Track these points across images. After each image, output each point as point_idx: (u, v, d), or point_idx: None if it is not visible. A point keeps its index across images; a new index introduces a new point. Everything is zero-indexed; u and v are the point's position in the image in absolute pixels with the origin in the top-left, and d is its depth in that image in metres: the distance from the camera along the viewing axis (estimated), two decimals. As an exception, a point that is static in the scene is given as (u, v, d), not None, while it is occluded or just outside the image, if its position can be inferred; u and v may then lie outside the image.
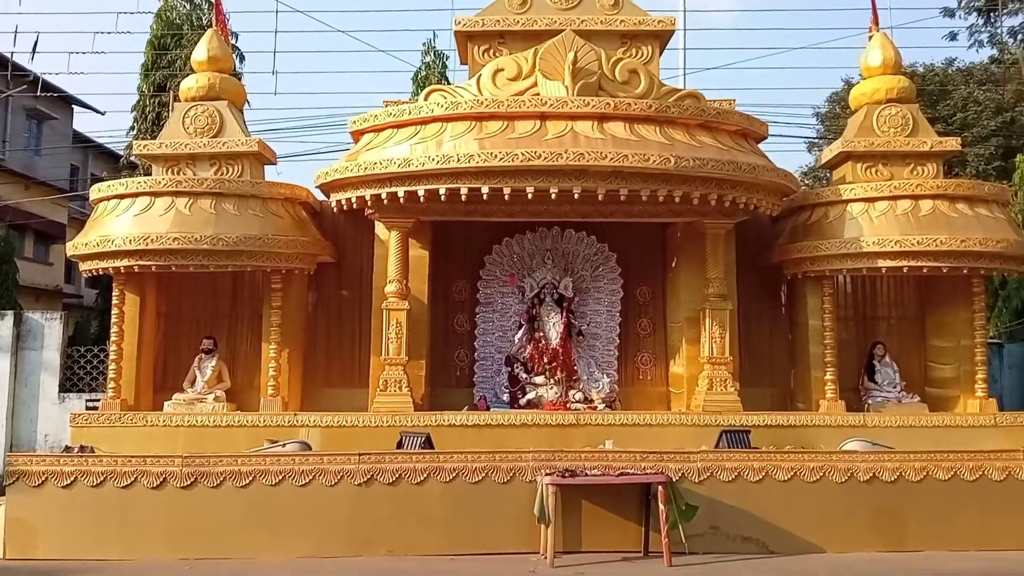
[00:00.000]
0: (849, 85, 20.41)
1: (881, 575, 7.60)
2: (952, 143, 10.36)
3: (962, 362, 10.22)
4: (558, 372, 10.26)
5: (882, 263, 9.58)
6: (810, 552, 8.27)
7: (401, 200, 9.02)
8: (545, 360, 10.32)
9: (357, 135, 9.72)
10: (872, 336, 10.77)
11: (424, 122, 9.07)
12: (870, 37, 10.86)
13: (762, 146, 9.77)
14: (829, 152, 10.80)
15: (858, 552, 8.25)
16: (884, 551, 8.28)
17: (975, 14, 20.51)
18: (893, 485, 8.41)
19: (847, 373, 10.40)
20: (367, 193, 9.16)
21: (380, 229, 10.08)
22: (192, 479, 8.38)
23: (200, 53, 10.66)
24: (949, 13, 20.45)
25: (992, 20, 20.38)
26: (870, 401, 10.18)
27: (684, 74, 16.24)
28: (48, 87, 22.60)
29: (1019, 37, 20.94)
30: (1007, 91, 23.17)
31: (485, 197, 8.74)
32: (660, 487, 7.96)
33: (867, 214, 9.68)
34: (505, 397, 10.41)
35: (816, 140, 24.00)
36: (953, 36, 20.68)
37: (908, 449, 8.76)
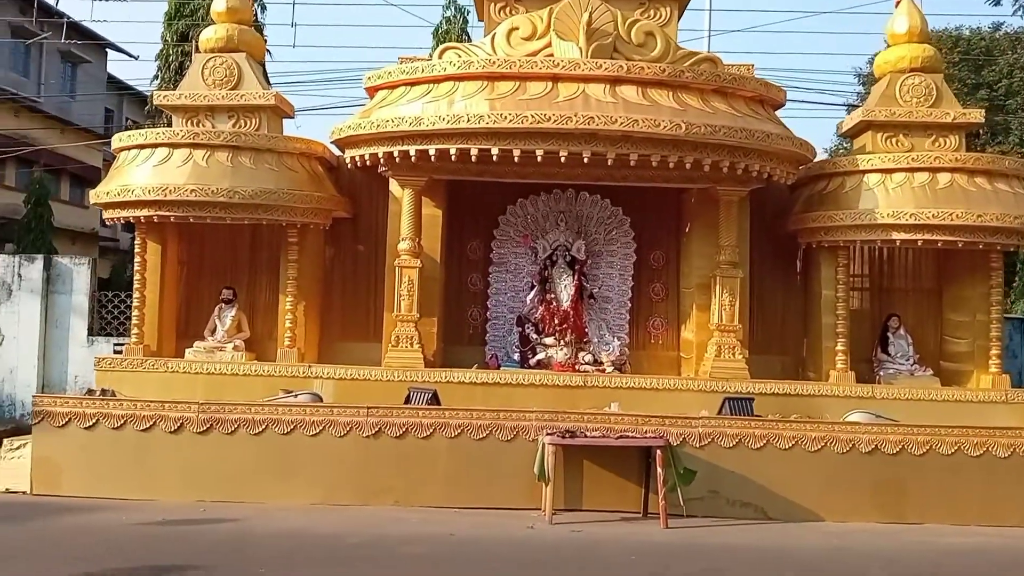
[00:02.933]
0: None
1: (876, 545, 7.66)
2: (976, 115, 10.12)
3: (977, 337, 10.13)
4: (568, 334, 10.36)
5: (896, 235, 9.47)
6: (809, 520, 8.36)
7: (413, 159, 9.08)
8: (556, 321, 10.41)
9: (372, 91, 9.75)
10: (888, 308, 10.68)
11: (437, 80, 9.07)
12: (897, 3, 10.55)
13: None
14: (850, 121, 10.61)
15: (857, 522, 8.32)
16: (883, 522, 8.34)
17: (1022, -23, 19.63)
18: (895, 457, 8.43)
19: (861, 344, 10.37)
20: (380, 151, 9.23)
21: (394, 187, 10.16)
22: (207, 425, 8.67)
23: (219, 4, 10.70)
24: (991, -23, 19.58)
25: (1039, -17, 19.50)
26: (882, 373, 10.15)
27: (709, 36, 15.94)
28: (81, 29, 22.84)
29: (1068, 1, 20.05)
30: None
31: (495, 158, 8.76)
32: (658, 450, 8.08)
33: (883, 185, 9.54)
34: (516, 356, 10.53)
35: (856, 104, 23.45)
36: (997, 1, 19.86)
37: (916, 423, 8.75)
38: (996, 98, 24.25)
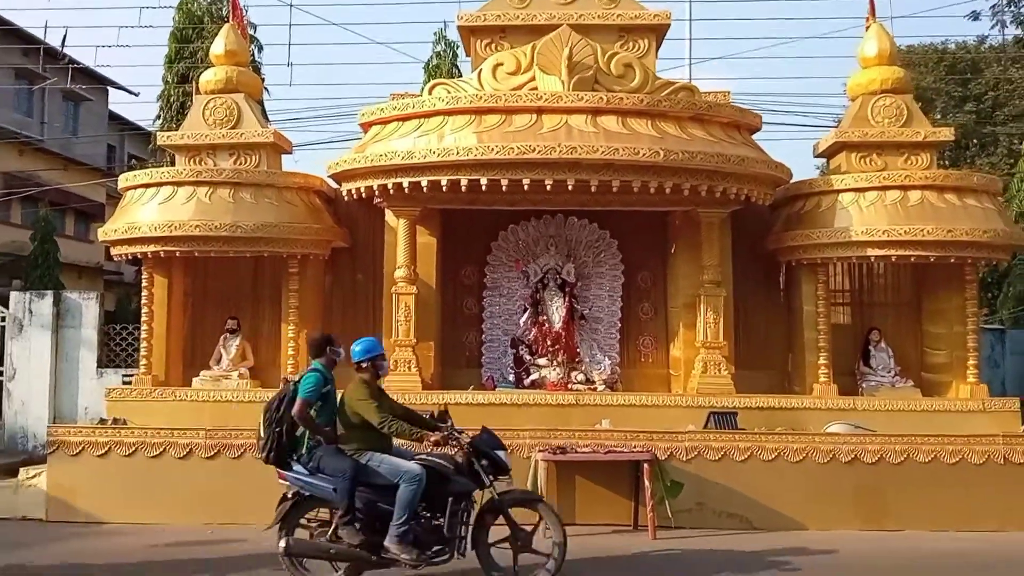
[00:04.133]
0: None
1: (860, 552, 7.96)
2: (945, 133, 10.53)
3: (955, 348, 10.46)
4: (560, 354, 10.71)
5: (871, 252, 9.85)
6: (793, 529, 8.67)
7: (406, 190, 9.49)
8: (548, 343, 10.76)
9: (366, 127, 10.19)
10: (869, 322, 11.03)
11: (427, 115, 9.51)
12: (867, 28, 10.99)
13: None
14: (825, 142, 11.01)
15: (839, 530, 8.63)
16: (865, 530, 8.65)
17: (998, -8, 20.23)
18: (874, 467, 8.77)
19: (844, 357, 10.69)
20: (374, 183, 9.64)
21: (389, 217, 10.57)
22: (215, 450, 9.03)
23: (218, 47, 11.18)
24: (971, -8, 20.15)
25: (1015, 0, 20.08)
26: (864, 385, 10.48)
27: (689, 64, 16.51)
28: (84, 69, 23.42)
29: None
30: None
31: (484, 188, 9.17)
32: (646, 464, 8.42)
33: (857, 204, 9.94)
34: (511, 377, 10.89)
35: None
36: (976, 16, 20.41)
37: (897, 432, 9.08)
38: (983, 111, 24.72)
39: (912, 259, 9.90)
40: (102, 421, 9.80)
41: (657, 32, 10.58)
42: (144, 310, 10.80)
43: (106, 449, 9.03)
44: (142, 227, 10.14)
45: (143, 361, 10.76)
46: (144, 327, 10.79)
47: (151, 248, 10.21)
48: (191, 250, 10.19)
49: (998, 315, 15.31)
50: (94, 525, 8.78)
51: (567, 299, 10.84)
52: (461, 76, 11.54)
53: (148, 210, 10.24)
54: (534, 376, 10.72)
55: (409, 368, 10.13)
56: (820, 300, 10.35)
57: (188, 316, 11.39)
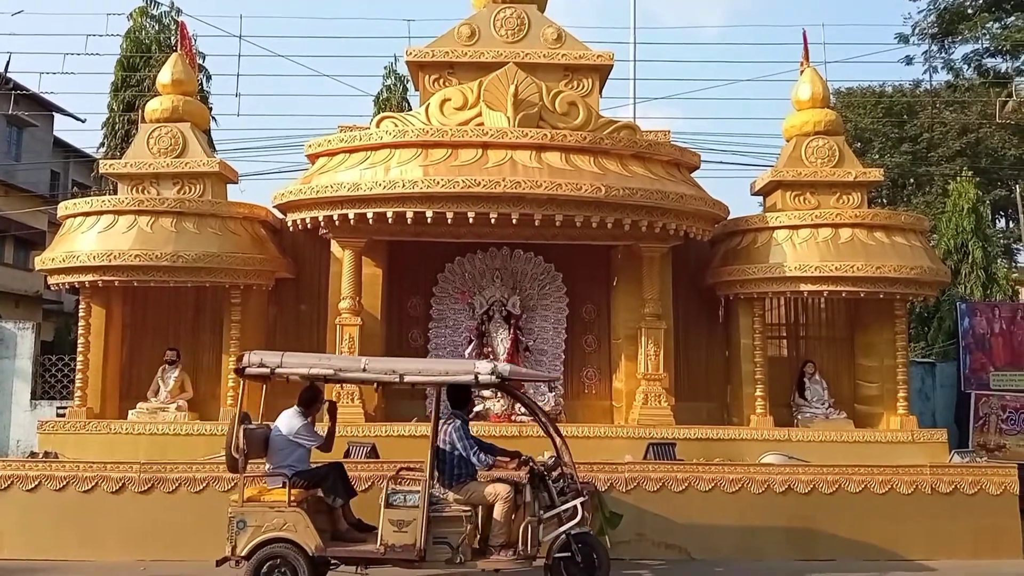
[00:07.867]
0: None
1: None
2: (875, 173, 10.97)
3: (886, 381, 10.80)
4: (504, 385, 10.77)
5: (804, 287, 10.18)
6: (729, 559, 8.81)
7: (352, 222, 9.53)
8: (493, 374, 10.81)
9: (313, 158, 10.23)
10: (806, 354, 11.35)
11: (374, 148, 9.59)
12: (801, 72, 11.44)
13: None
14: (761, 180, 11.38)
15: (773, 560, 8.79)
16: (798, 559, 8.82)
17: (929, 40, 21.24)
18: (807, 497, 8.97)
19: (781, 389, 10.95)
20: (320, 214, 9.67)
21: (335, 248, 10.58)
22: (149, 485, 8.85)
23: (164, 76, 11.14)
24: (903, 39, 21.18)
25: (946, 47, 21.10)
26: (799, 416, 10.74)
27: (634, 103, 16.90)
28: (29, 94, 23.02)
29: (972, 64, 21.69)
30: (972, 112, 23.97)
31: (430, 220, 9.27)
32: (586, 495, 8.47)
33: (791, 241, 10.28)
34: (455, 409, 10.88)
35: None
36: (909, 61, 21.40)
37: (830, 463, 9.31)
38: (919, 151, 25.77)
39: (843, 294, 10.25)
40: (32, 454, 9.54)
41: (600, 72, 10.87)
42: (80, 340, 10.59)
43: (36, 483, 8.79)
44: (80, 256, 9.98)
45: (78, 393, 10.52)
46: (80, 358, 10.57)
47: (89, 277, 10.04)
48: (130, 280, 10.05)
49: (933, 348, 15.84)
50: (21, 563, 8.48)
51: (512, 331, 10.94)
52: (411, 109, 11.64)
53: (87, 239, 10.09)
54: (478, 408, 10.72)
55: (352, 400, 10.09)
56: (757, 333, 10.61)
57: (126, 347, 11.18)
